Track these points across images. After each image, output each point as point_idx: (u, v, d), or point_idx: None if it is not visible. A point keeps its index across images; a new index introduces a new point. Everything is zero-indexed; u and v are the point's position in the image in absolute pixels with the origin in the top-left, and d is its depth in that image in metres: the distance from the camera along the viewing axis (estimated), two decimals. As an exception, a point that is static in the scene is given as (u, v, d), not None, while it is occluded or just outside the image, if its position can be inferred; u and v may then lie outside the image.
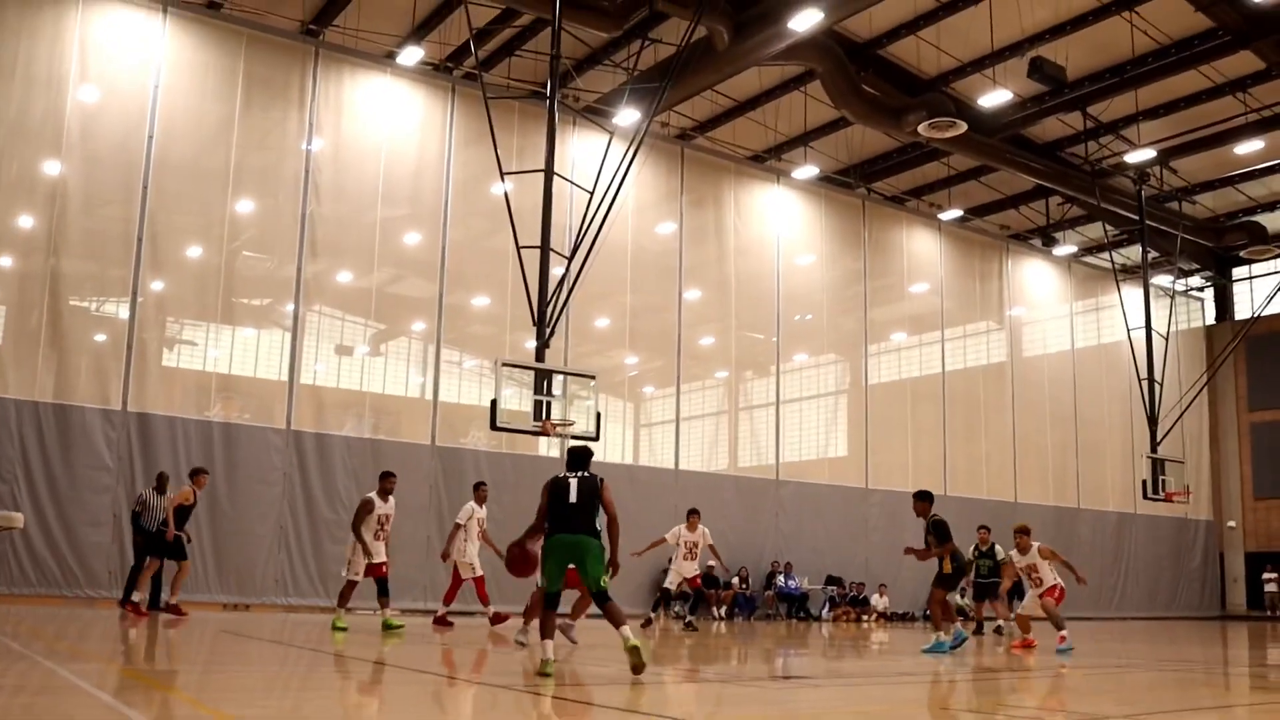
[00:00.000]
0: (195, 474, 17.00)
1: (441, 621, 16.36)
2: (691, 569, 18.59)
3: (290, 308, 20.90)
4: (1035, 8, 23.74)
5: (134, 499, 17.72)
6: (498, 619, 16.19)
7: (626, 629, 8.75)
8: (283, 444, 20.31)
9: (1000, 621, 20.14)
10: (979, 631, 19.95)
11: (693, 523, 18.53)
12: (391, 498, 14.66)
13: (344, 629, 14.18)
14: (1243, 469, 37.22)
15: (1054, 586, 15.19)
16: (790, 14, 21.29)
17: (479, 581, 16.21)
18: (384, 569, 14.60)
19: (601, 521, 9.31)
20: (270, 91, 21.24)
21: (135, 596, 16.58)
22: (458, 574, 16.26)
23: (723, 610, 24.85)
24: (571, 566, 9.43)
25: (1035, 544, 15.40)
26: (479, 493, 16.54)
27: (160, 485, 17.59)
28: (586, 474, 9.48)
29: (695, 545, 18.42)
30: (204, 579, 19.17)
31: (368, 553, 14.24)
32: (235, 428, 20.15)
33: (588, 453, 9.74)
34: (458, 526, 16.21)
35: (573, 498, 9.29)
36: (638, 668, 8.51)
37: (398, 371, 23.40)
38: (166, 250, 20.02)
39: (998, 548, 19.92)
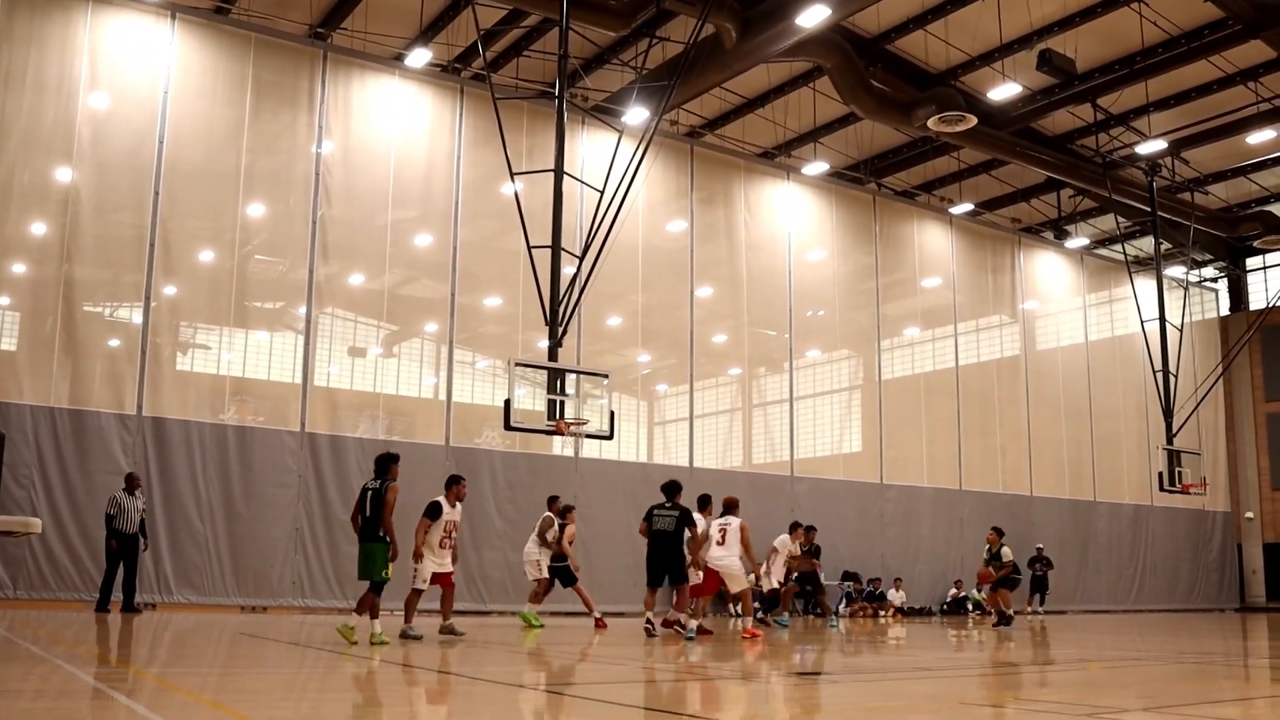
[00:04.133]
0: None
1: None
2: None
3: (303, 310, 20.93)
4: (1044, 0, 23.67)
5: (108, 501, 17.61)
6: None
7: (364, 619, 11.71)
8: (297, 446, 20.35)
9: (1009, 611, 20.29)
10: (1003, 623, 19.92)
11: None
12: (460, 504, 13.78)
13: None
14: (1259, 460, 37.01)
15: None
16: (798, 10, 21.26)
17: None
18: (450, 578, 13.84)
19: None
20: (279, 95, 21.27)
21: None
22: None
23: (739, 607, 24.82)
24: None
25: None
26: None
27: (130, 486, 17.61)
28: (377, 484, 11.88)
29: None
30: (220, 581, 19.24)
31: (419, 555, 13.29)
32: (249, 431, 20.20)
33: (382, 460, 12.11)
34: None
35: (367, 511, 11.84)
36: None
37: (411, 372, 23.41)
38: (179, 255, 20.07)
39: (1004, 550, 20.32)
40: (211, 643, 12.49)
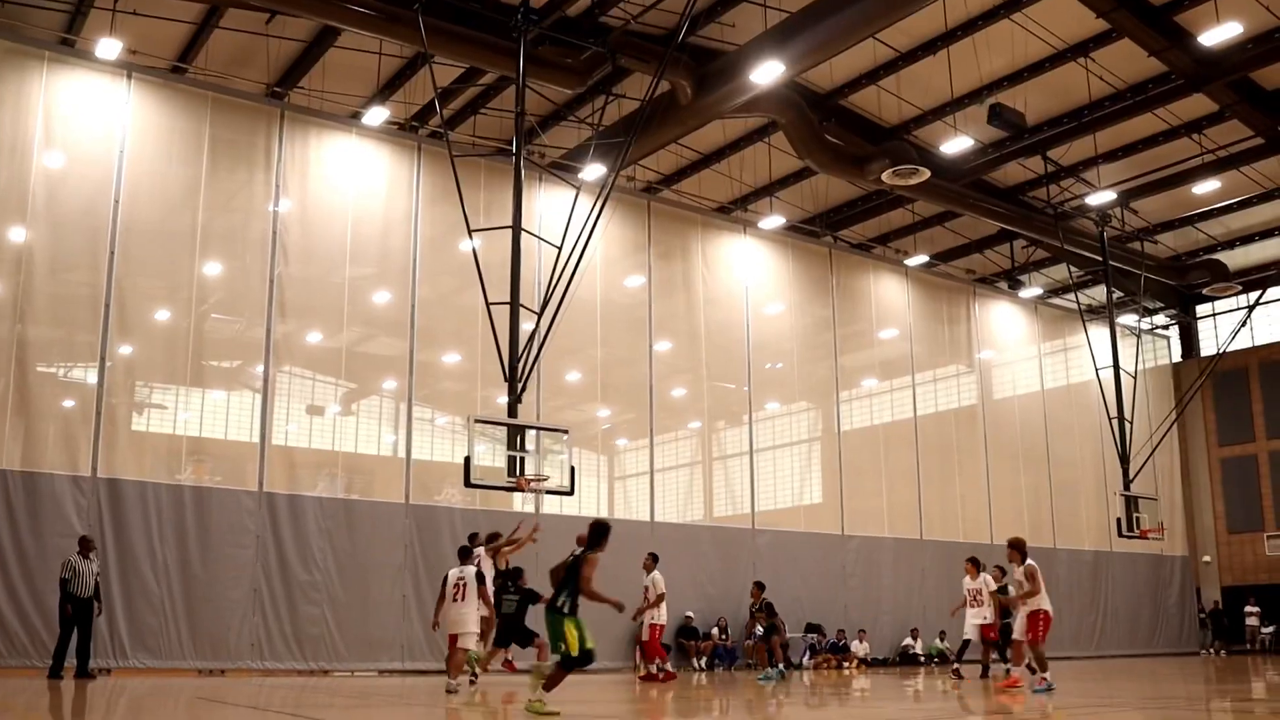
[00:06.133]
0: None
1: None
2: (978, 616, 19.58)
3: (260, 369, 20.79)
4: (992, 56, 24.10)
5: (62, 565, 17.20)
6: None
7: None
8: (255, 506, 20.12)
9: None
10: (984, 675, 19.47)
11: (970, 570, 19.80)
12: None
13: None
14: (1215, 504, 37.42)
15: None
16: (751, 67, 21.53)
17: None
18: None
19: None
20: (236, 154, 21.23)
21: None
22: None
23: (703, 661, 24.74)
24: None
25: (984, 575, 15.38)
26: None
27: (85, 549, 17.27)
28: (579, 552, 10.93)
29: (979, 592, 19.56)
30: (177, 644, 18.89)
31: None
32: (207, 491, 19.95)
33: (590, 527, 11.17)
34: None
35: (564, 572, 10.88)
36: None
37: (370, 430, 23.28)
38: (134, 314, 19.91)
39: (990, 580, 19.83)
40: (168, 708, 12.30)
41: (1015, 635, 15.87)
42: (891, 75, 25.07)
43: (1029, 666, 15.87)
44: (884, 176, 24.78)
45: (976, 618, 19.64)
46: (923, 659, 28.16)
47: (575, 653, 10.43)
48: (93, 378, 19.28)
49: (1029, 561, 15.35)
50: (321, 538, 20.57)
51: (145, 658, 18.60)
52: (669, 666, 19.05)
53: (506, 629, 16.98)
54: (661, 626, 18.99)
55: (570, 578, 10.70)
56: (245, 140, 21.30)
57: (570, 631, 10.50)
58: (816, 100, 25.82)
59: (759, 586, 21.24)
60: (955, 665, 19.92)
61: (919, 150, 26.05)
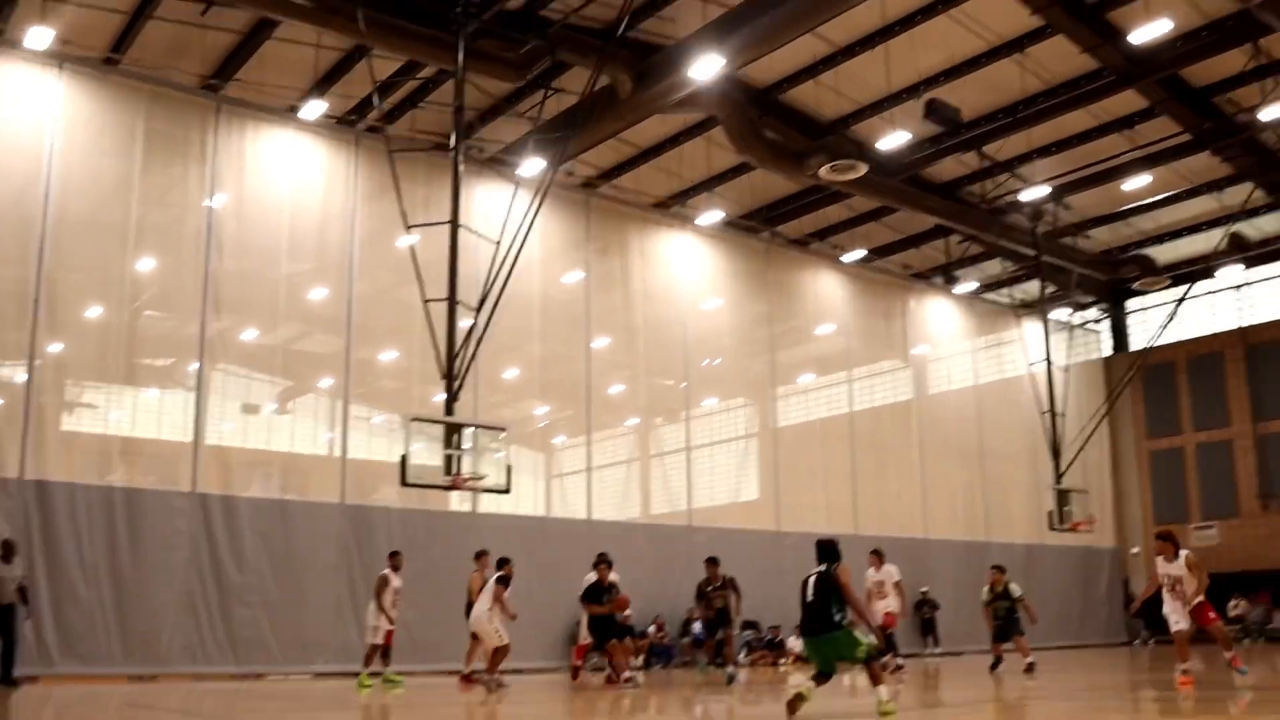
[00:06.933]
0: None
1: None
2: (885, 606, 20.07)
3: (194, 367, 20.47)
4: (929, 51, 24.27)
5: None
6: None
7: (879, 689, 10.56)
8: (188, 507, 19.78)
9: (1031, 659, 19.26)
10: (996, 666, 19.57)
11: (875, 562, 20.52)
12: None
13: (369, 686, 16.52)
14: (1144, 496, 38.04)
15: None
16: (690, 62, 21.50)
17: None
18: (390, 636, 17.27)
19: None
20: (171, 147, 20.87)
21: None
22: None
23: (640, 659, 24.78)
24: None
25: (1184, 552, 14.10)
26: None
27: (7, 554, 16.89)
28: (823, 569, 10.98)
29: (881, 584, 20.27)
30: (107, 649, 18.49)
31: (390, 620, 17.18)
32: (138, 493, 19.55)
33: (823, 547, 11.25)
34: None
35: (809, 596, 10.92)
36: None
37: (306, 429, 23.04)
38: (65, 311, 19.51)
39: (1012, 586, 19.96)
40: (97, 716, 12.11)
41: (1177, 626, 13.97)
42: (830, 71, 25.11)
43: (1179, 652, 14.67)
44: (821, 172, 24.82)
45: (883, 608, 19.89)
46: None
47: (865, 655, 10.69)
48: (21, 376, 18.87)
49: (1186, 551, 14.20)
50: (256, 539, 20.30)
51: (74, 664, 18.17)
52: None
53: (596, 626, 17.87)
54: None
55: (829, 593, 10.81)
56: (180, 133, 20.95)
57: (857, 640, 10.73)
58: (755, 96, 25.83)
59: (713, 562, 19.98)
60: (897, 660, 20.01)
61: (856, 145, 26.13)
